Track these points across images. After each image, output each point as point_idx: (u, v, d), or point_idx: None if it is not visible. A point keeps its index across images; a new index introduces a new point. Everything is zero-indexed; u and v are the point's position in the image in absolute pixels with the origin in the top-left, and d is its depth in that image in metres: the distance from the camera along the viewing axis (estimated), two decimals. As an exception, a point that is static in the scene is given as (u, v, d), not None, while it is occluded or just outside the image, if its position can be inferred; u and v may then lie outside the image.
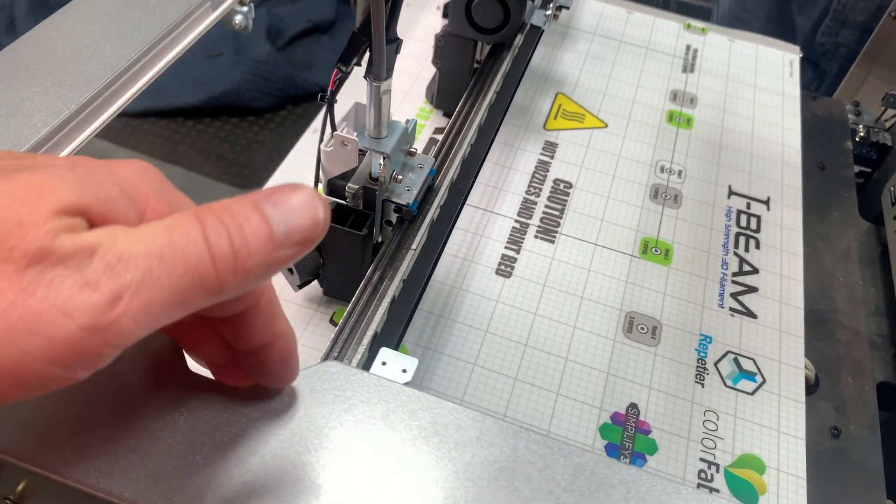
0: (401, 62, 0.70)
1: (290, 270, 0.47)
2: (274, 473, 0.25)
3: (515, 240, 0.56)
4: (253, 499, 0.25)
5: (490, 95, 0.55)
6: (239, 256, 0.20)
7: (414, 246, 0.44)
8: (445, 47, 0.60)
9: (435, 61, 0.61)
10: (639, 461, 0.45)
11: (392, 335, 0.39)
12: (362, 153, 0.44)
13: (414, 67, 0.70)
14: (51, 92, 0.37)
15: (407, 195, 0.44)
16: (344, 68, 0.41)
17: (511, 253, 0.55)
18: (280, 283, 0.51)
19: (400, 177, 0.44)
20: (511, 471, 0.27)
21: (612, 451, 0.45)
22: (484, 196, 0.59)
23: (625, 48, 0.76)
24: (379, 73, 0.39)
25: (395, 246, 0.44)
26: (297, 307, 0.50)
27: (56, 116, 0.37)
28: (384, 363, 0.36)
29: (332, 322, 0.50)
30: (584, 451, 0.27)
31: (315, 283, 0.50)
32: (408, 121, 0.45)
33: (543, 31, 0.62)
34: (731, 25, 0.83)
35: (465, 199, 0.48)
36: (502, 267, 0.54)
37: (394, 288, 0.41)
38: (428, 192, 0.47)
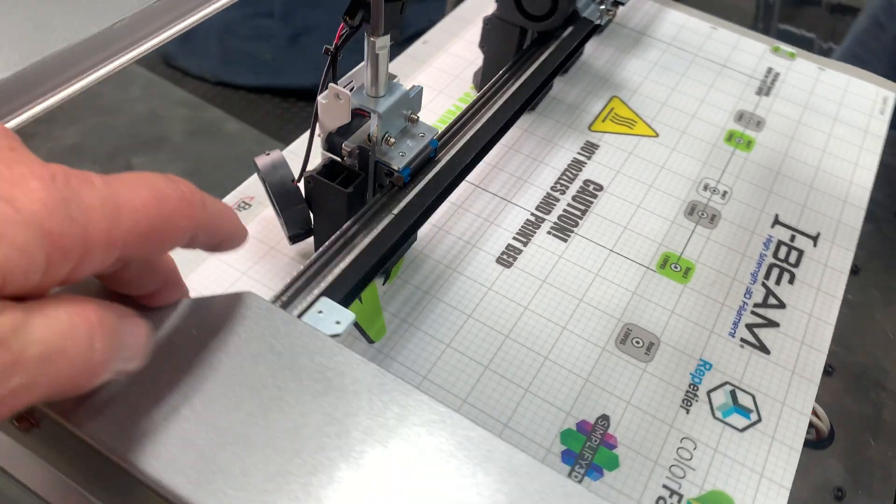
0: (457, 47, 0.70)
1: (283, 224, 0.47)
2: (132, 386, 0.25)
3: (526, 232, 0.54)
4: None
5: (521, 81, 0.53)
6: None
7: (396, 211, 0.43)
8: (492, 31, 0.59)
9: (481, 45, 0.61)
10: (594, 474, 0.42)
11: (344, 290, 0.39)
12: (363, 114, 0.44)
13: (469, 53, 0.69)
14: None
15: (399, 160, 0.44)
16: (350, 22, 0.41)
17: (518, 244, 0.53)
18: (278, 236, 0.52)
19: (392, 140, 0.43)
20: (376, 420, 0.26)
21: (569, 458, 0.43)
22: (506, 185, 0.58)
23: (698, 62, 0.73)
24: (376, 27, 0.39)
25: (378, 208, 0.43)
26: (289, 260, 0.51)
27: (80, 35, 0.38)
28: (320, 311, 0.36)
29: (320, 281, 0.50)
30: (478, 426, 0.26)
31: (311, 240, 0.50)
32: (413, 87, 0.44)
33: (597, 25, 0.59)
34: (849, 63, 0.77)
35: (462, 176, 0.47)
36: (504, 256, 0.53)
37: (362, 246, 0.41)
38: (428, 163, 0.46)
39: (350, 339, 0.47)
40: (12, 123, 0.31)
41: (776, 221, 0.58)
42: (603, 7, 0.59)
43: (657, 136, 0.64)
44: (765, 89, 0.71)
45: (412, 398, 0.26)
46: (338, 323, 0.35)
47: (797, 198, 0.60)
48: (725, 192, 0.60)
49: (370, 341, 0.47)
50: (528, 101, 0.53)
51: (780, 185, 0.61)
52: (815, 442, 0.49)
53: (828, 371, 0.53)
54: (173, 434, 0.24)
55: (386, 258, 0.41)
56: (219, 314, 0.28)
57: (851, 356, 0.55)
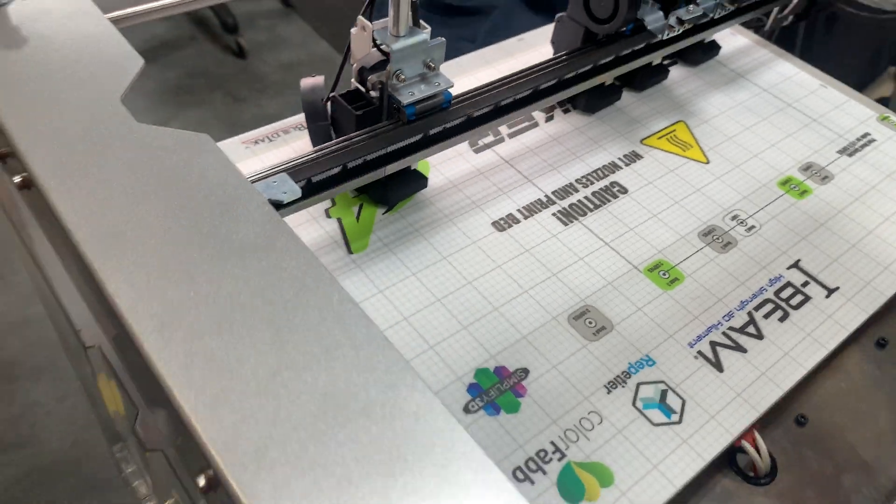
0: (549, 48, 0.75)
1: (310, 137, 0.55)
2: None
3: (532, 209, 0.58)
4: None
5: (559, 67, 0.57)
6: None
7: (387, 137, 0.49)
8: (561, 29, 0.63)
9: (552, 41, 0.65)
10: (491, 410, 0.45)
11: (304, 176, 0.45)
12: (385, 53, 0.50)
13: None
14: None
15: (407, 97, 0.50)
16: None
17: (519, 216, 0.57)
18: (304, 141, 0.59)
19: (403, 77, 0.49)
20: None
21: (475, 390, 0.45)
22: (534, 167, 0.61)
23: (788, 112, 0.71)
24: (399, -29, 0.46)
25: (377, 132, 0.49)
26: (315, 176, 0.58)
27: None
28: (274, 182, 0.42)
29: (327, 213, 0.56)
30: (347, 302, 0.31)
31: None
32: (437, 38, 0.50)
33: (664, 41, 0.62)
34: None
35: (466, 128, 0.52)
36: (501, 222, 0.56)
37: (339, 153, 0.47)
38: (439, 111, 0.52)
39: (333, 246, 0.53)
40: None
41: (795, 265, 0.56)
42: (667, 21, 0.61)
43: (707, 162, 0.64)
44: (850, 150, 0.68)
45: (329, 286, 0.32)
46: (284, 193, 0.42)
47: (831, 251, 0.58)
48: (753, 227, 0.59)
49: (350, 252, 0.53)
50: (556, 88, 0.57)
51: (818, 236, 0.59)
52: (752, 477, 0.47)
53: (800, 421, 0.51)
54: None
55: (355, 172, 0.47)
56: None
57: (835, 417, 0.52)
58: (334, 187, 0.47)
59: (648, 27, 0.61)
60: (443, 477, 0.26)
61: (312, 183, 0.46)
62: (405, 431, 0.27)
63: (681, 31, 0.62)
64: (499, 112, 0.54)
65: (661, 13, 0.62)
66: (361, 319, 0.30)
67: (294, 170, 0.44)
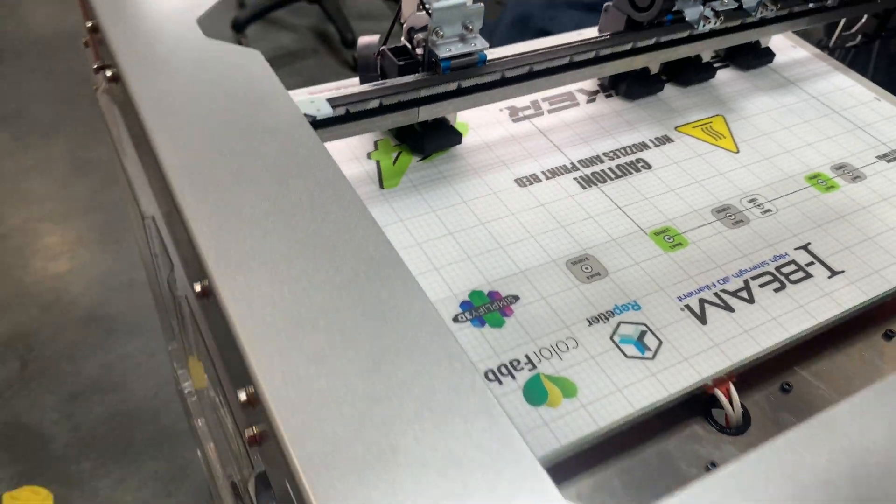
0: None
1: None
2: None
3: (555, 172, 0.63)
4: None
5: (593, 44, 0.62)
6: None
7: (419, 84, 0.56)
8: (607, 17, 0.68)
9: (599, 28, 0.70)
10: (477, 323, 0.50)
11: (336, 104, 0.52)
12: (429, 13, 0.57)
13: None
14: None
15: (444, 52, 0.56)
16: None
17: (542, 177, 0.62)
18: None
19: (442, 33, 0.56)
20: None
21: (466, 306, 0.51)
22: (566, 139, 0.66)
23: (834, 118, 0.73)
24: (442, -63, 0.53)
25: (414, 81, 0.56)
26: (365, 125, 0.66)
27: None
28: (312, 101, 0.50)
29: (368, 156, 0.63)
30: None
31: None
32: (476, 3, 0.57)
33: (696, 29, 0.66)
34: None
35: (489, 88, 0.58)
36: (524, 179, 0.62)
37: (382, 93, 0.54)
38: (472, 68, 0.58)
39: (367, 181, 0.60)
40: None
41: (804, 247, 0.58)
42: (703, 13, 0.65)
43: (737, 152, 0.67)
44: (891, 157, 0.69)
45: (349, 198, 0.39)
46: (318, 110, 0.49)
47: (845, 240, 0.59)
48: (769, 210, 0.61)
49: (381, 187, 0.59)
50: (591, 62, 0.62)
51: (835, 226, 0.61)
52: (721, 426, 0.50)
53: (784, 388, 0.53)
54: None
55: (390, 109, 0.54)
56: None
57: (821, 392, 0.54)
58: (369, 118, 0.54)
59: (687, 18, 0.65)
60: (425, 362, 0.32)
61: (350, 113, 0.53)
62: (400, 315, 0.33)
63: (717, 23, 0.65)
64: (531, 76, 0.60)
65: (700, 5, 0.66)
66: (377, 231, 0.37)
67: (334, 98, 0.52)
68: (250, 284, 0.34)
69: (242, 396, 0.31)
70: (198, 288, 0.35)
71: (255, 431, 0.33)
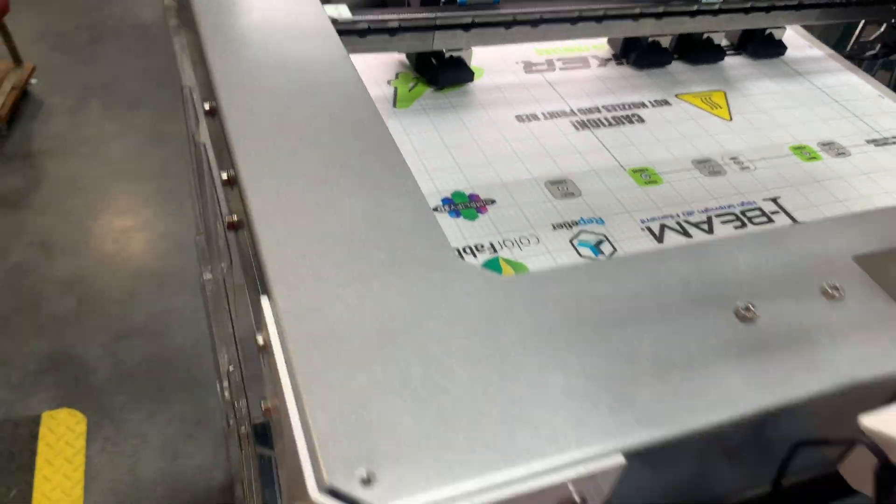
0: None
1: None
2: None
3: (554, 115, 0.69)
4: None
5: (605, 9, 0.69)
6: None
7: (437, 13, 0.63)
8: (623, -12, 0.74)
9: (615, 1, 0.76)
10: (453, 213, 0.56)
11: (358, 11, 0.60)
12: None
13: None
14: None
15: (460, -10, 0.64)
16: None
17: (541, 117, 0.68)
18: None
19: (460, -27, 0.64)
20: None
21: (446, 201, 0.57)
22: (571, 90, 0.73)
23: (833, 107, 0.77)
24: None
25: (432, 9, 0.64)
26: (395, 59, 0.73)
27: None
28: (336, 8, 0.58)
29: (388, 83, 0.71)
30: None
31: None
32: (494, -49, 0.64)
33: (702, 3, 0.71)
34: None
35: (499, 26, 0.65)
36: (524, 117, 0.68)
37: (400, 13, 0.62)
38: (486, 5, 0.65)
39: (383, 101, 0.67)
40: None
41: (773, 199, 0.63)
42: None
43: (730, 120, 0.72)
44: (881, 142, 0.72)
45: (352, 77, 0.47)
46: (339, 14, 0.57)
47: (815, 199, 0.63)
48: (747, 167, 0.66)
49: (394, 106, 0.67)
50: (599, 19, 0.68)
51: (809, 188, 0.65)
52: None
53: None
54: None
55: (406, 30, 0.62)
56: None
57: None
58: (387, 36, 0.62)
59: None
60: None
61: (371, 28, 0.61)
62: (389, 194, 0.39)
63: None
64: (541, 22, 0.67)
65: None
66: (381, 124, 0.43)
67: (357, 14, 0.60)
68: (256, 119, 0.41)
69: (224, 176, 0.38)
70: (206, 107, 0.42)
71: (233, 219, 0.40)
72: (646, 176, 0.63)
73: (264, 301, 0.30)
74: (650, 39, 0.76)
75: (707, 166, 0.65)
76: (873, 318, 0.34)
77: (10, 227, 1.96)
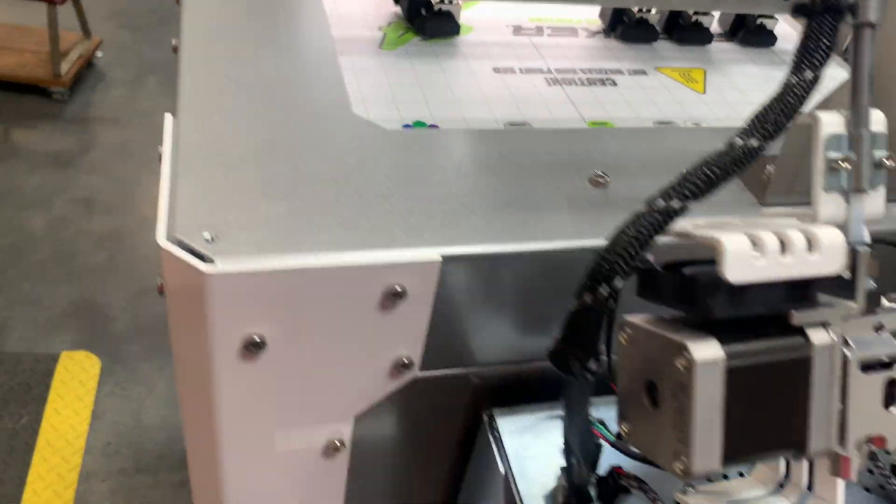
0: None
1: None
2: None
3: (530, 70, 0.73)
4: None
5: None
6: None
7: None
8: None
9: (607, -24, 0.80)
10: (407, 127, 0.60)
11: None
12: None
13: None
14: None
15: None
16: None
17: (517, 71, 0.72)
18: None
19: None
20: None
21: (407, 126, 0.61)
22: (554, 53, 0.76)
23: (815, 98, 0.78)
24: None
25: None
26: (388, 13, 0.78)
27: None
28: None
29: (380, 28, 0.76)
30: None
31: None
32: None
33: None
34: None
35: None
36: (500, 69, 0.72)
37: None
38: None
39: (371, 41, 0.72)
40: None
41: (725, 160, 0.65)
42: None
43: (703, 93, 0.74)
44: (852, 128, 0.74)
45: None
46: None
47: (768, 166, 0.65)
48: (706, 127, 0.68)
49: (380, 47, 0.72)
50: None
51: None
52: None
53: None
54: None
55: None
56: None
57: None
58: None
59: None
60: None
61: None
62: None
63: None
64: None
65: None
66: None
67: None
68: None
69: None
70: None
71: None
72: (602, 126, 0.66)
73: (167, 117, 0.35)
74: (638, 15, 0.80)
75: (666, 127, 0.68)
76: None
77: (58, 183, 2.08)
